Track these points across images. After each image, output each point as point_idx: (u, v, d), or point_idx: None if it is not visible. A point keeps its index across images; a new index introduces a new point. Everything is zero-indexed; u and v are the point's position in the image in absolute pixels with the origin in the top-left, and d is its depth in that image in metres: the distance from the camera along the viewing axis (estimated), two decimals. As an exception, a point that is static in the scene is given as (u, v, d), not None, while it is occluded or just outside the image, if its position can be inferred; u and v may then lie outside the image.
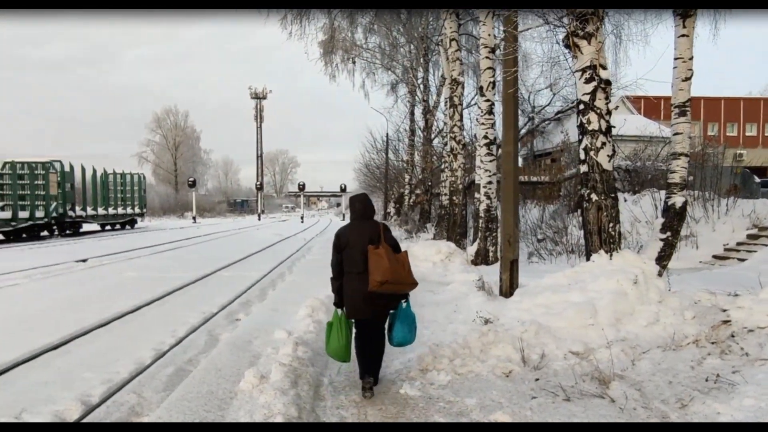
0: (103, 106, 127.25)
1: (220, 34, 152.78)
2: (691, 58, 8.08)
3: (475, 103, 24.93)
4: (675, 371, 4.48)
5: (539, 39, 15.40)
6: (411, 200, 28.81)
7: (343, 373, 4.82)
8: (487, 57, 10.90)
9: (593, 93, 6.48)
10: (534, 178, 24.18)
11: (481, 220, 11.65)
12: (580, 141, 6.80)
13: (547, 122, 28.09)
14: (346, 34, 28.24)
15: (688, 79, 8.09)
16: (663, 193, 12.61)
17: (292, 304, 7.92)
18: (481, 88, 11.08)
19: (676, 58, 8.13)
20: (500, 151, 11.53)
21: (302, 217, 59.14)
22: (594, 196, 6.57)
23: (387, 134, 35.24)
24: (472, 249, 12.04)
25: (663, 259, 8.05)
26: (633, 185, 17.40)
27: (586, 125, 6.56)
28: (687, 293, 6.26)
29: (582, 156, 6.72)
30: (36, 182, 26.35)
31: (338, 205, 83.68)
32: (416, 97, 28.08)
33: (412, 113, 29.32)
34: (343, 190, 64.28)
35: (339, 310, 4.45)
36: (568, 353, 4.97)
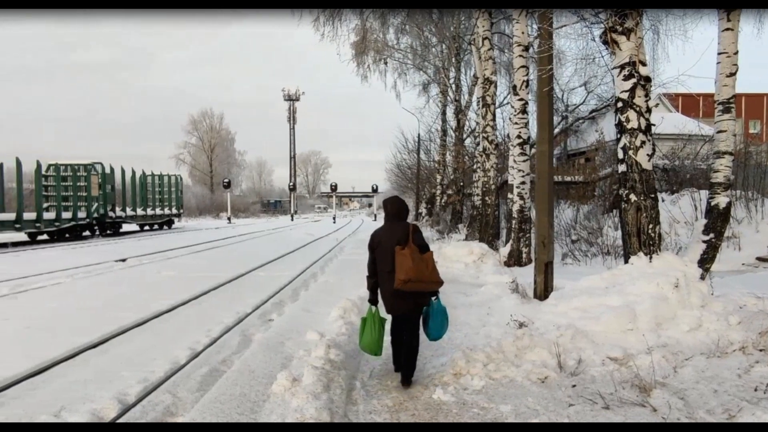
0: (143, 108, 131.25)
1: (255, 36, 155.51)
2: (735, 53, 7.75)
3: (508, 103, 24.66)
4: (720, 379, 4.29)
5: (574, 36, 15.13)
6: (443, 200, 28.65)
7: (375, 377, 4.79)
8: (520, 55, 10.72)
9: (632, 90, 6.28)
10: (568, 178, 23.71)
11: (514, 221, 11.47)
12: (618, 140, 6.61)
13: (581, 121, 27.54)
14: (378, 35, 28.28)
15: (732, 74, 7.76)
16: (703, 193, 12.17)
17: (324, 304, 7.94)
18: (514, 87, 10.91)
19: (719, 53, 7.82)
20: (534, 150, 11.36)
21: (334, 218, 59.47)
22: (633, 197, 6.37)
23: (419, 134, 35.20)
24: (505, 250, 11.87)
25: (705, 261, 7.75)
26: (671, 185, 16.86)
27: (625, 123, 6.37)
28: (731, 297, 6.00)
29: (620, 155, 6.53)
30: (78, 184, 27.25)
31: (370, 205, 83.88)
32: (448, 97, 27.92)
33: (443, 113, 29.18)
34: (375, 190, 64.41)
35: (373, 307, 4.72)
36: (607, 359, 4.82)
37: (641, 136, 6.32)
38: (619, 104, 6.43)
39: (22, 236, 24.02)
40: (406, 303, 4.53)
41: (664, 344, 5.06)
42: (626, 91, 6.31)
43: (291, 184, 75.07)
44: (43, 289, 10.14)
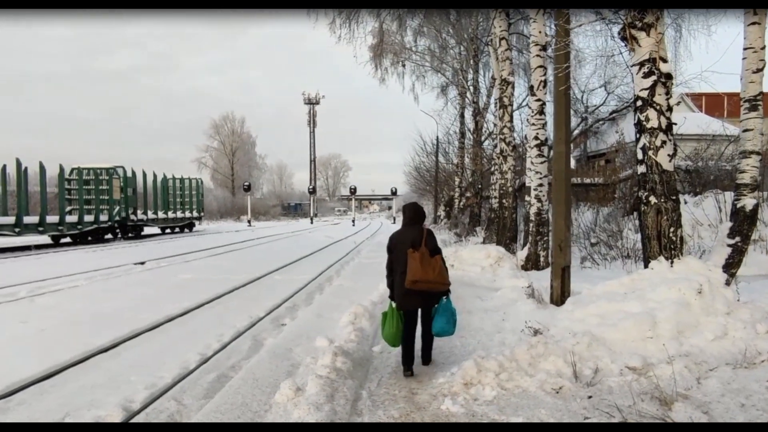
0: (167, 112, 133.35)
1: (274, 40, 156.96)
2: (762, 48, 7.44)
3: (526, 104, 24.39)
4: (748, 392, 4.06)
5: (593, 33, 14.81)
6: (461, 203, 28.42)
7: (383, 385, 4.67)
8: (537, 55, 10.49)
9: (652, 88, 6.06)
10: (587, 180, 23.30)
11: (531, 224, 11.24)
12: (637, 140, 6.38)
13: (600, 122, 27.08)
14: (396, 38, 28.26)
15: (759, 70, 7.45)
16: (728, 194, 11.76)
17: (336, 309, 7.85)
18: (531, 88, 10.69)
19: (745, 48, 7.51)
20: (552, 152, 11.12)
21: (353, 221, 59.52)
22: (653, 199, 6.13)
23: (437, 137, 35.01)
24: (522, 253, 11.64)
25: (731, 266, 7.44)
26: (694, 186, 16.39)
27: (644, 123, 6.14)
28: (759, 304, 5.73)
29: (639, 156, 6.30)
30: (100, 187, 27.70)
31: (389, 208, 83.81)
32: (466, 99, 27.71)
33: (462, 115, 28.96)
34: (394, 193, 64.45)
35: (392, 303, 5.16)
36: (625, 368, 4.61)
37: (662, 136, 6.08)
38: (639, 103, 6.20)
39: (46, 239, 24.48)
40: (415, 300, 5.00)
41: (686, 353, 4.83)
42: (646, 89, 6.09)
43: (310, 187, 75.43)
44: (60, 291, 10.24)
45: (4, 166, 21.57)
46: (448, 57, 28.77)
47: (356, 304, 7.01)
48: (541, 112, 10.76)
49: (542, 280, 9.59)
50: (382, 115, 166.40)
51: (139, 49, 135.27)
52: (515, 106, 17.17)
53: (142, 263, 15.60)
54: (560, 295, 7.06)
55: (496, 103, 16.07)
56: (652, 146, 6.12)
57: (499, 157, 13.47)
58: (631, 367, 4.62)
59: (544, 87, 10.62)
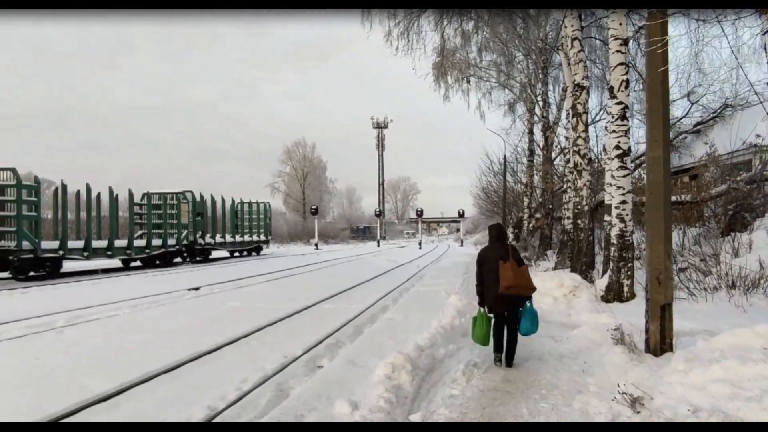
0: (246, 138, 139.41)
1: (343, 68, 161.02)
2: None
3: (599, 119, 22.49)
4: None
5: (677, 36, 13.02)
6: (530, 225, 26.64)
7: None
8: (618, 51, 8.98)
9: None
10: (672, 197, 20.87)
11: (613, 248, 9.59)
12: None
13: (682, 136, 24.53)
14: (460, 54, 27.28)
15: None
16: None
17: (377, 353, 6.71)
18: (611, 89, 9.15)
19: None
20: (635, 163, 9.49)
21: (420, 243, 58.24)
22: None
23: (504, 156, 33.32)
24: (601, 282, 9.99)
25: None
26: None
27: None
28: None
29: None
30: (169, 212, 28.16)
31: (457, 230, 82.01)
32: (535, 116, 26.13)
33: (530, 132, 27.38)
34: (462, 215, 63.09)
35: (481, 309, 6.17)
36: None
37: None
38: None
39: (116, 263, 24.99)
40: (504, 305, 5.98)
41: None
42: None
43: (377, 210, 75.13)
44: (96, 321, 9.71)
45: (78, 192, 22.23)
46: (515, 71, 27.41)
47: (396, 352, 5.75)
48: (623, 116, 9.16)
49: (628, 315, 8.01)
50: (450, 137, 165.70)
51: (219, 80, 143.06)
52: (589, 120, 15.51)
53: (197, 289, 15.15)
54: (659, 341, 5.51)
55: (567, 114, 14.54)
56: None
57: (572, 172, 11.89)
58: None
59: (626, 88, 9.04)
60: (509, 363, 6.00)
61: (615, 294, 9.49)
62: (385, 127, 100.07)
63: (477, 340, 6.14)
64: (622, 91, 9.04)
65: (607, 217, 9.78)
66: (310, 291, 14.57)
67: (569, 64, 11.82)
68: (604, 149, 10.64)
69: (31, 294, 14.12)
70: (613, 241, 9.50)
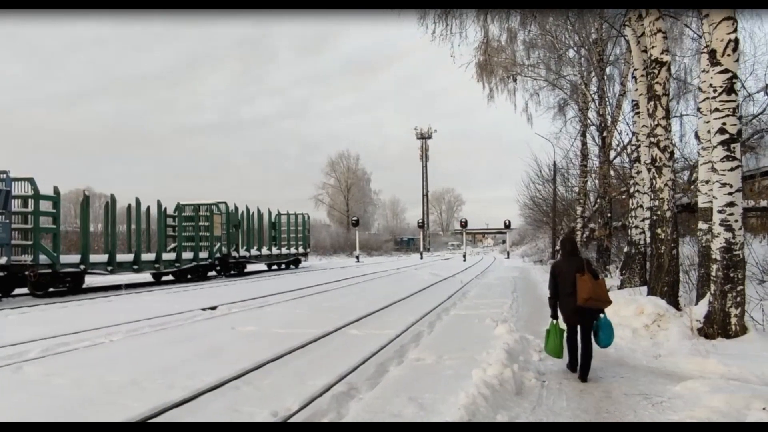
0: (300, 153, 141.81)
1: (393, 79, 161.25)
2: None
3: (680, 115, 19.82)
4: None
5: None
6: (584, 235, 24.11)
7: None
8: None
9: None
10: (750, 203, 18.17)
11: (715, 266, 7.32)
12: None
13: (759, 134, 21.54)
14: (506, 52, 25.32)
15: None
16: None
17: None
18: (713, 52, 6.83)
19: None
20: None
21: (464, 255, 55.90)
22: None
23: (554, 162, 30.82)
24: (699, 310, 7.73)
25: None
26: None
27: None
28: None
29: None
30: (201, 224, 27.11)
31: (503, 242, 79.10)
32: (588, 118, 23.70)
33: (583, 134, 24.98)
34: (507, 226, 60.64)
35: (554, 321, 6.44)
36: None
37: None
38: None
39: (145, 277, 24.03)
40: (579, 317, 6.16)
41: None
42: None
43: (420, 221, 73.14)
44: (72, 353, 8.16)
45: (107, 204, 21.33)
46: (566, 69, 25.12)
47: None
48: (731, 90, 6.88)
49: (744, 359, 5.89)
50: (497, 149, 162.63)
51: (278, 98, 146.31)
52: (661, 113, 13.08)
53: (213, 308, 13.68)
54: None
55: (634, 105, 12.29)
56: None
57: (649, 170, 9.58)
58: None
59: (734, 51, 6.78)
60: (584, 377, 6.03)
61: (719, 327, 7.20)
62: (429, 137, 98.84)
63: (550, 352, 6.43)
64: (728, 55, 6.77)
65: (703, 225, 7.54)
66: (340, 311, 13.00)
67: (642, 36, 9.59)
68: (696, 137, 8.39)
69: (29, 315, 12.85)
70: (716, 256, 7.21)
